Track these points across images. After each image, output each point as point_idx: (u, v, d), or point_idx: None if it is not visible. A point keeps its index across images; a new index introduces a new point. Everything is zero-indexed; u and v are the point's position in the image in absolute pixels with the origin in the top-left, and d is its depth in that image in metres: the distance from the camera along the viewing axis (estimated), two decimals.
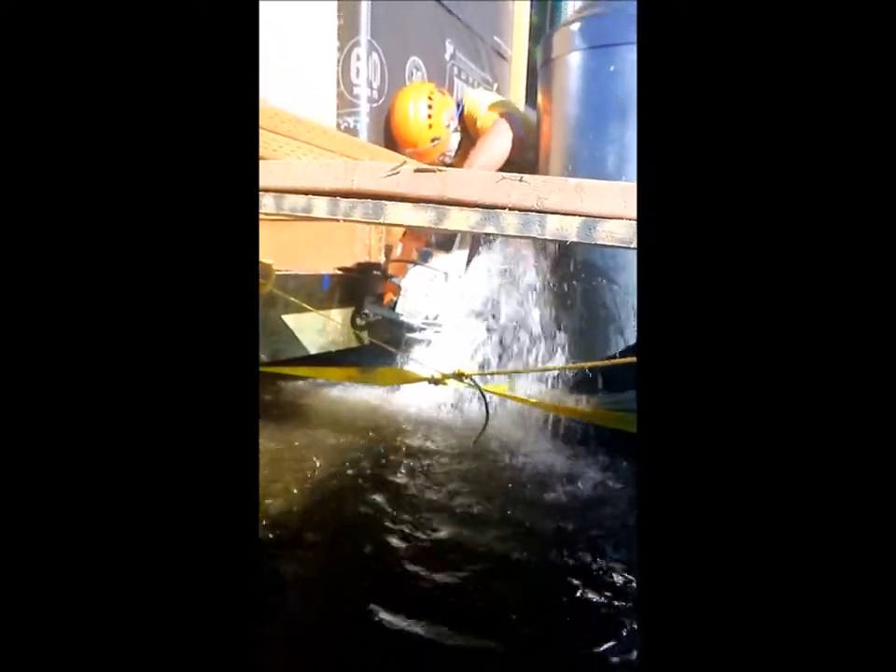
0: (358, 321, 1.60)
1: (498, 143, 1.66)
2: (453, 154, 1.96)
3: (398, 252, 1.61)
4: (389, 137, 1.92)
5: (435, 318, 1.53)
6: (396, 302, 1.55)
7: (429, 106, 1.86)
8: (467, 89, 2.14)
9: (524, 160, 1.67)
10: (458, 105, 1.91)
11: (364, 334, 1.59)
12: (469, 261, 1.61)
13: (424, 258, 1.56)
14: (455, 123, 1.91)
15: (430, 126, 1.86)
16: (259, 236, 0.45)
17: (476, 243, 1.61)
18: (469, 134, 1.90)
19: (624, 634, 0.65)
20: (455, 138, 1.95)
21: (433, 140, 1.88)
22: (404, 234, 1.68)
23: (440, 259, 1.56)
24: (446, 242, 1.61)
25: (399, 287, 1.55)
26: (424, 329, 1.48)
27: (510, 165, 1.69)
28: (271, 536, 0.82)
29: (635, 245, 0.69)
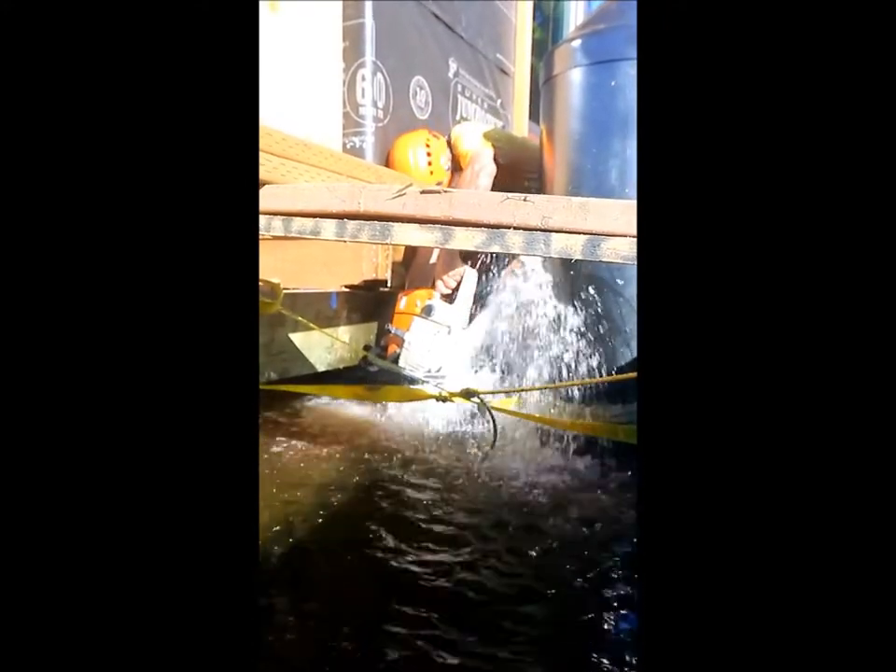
0: (367, 365, 1.62)
1: (476, 182, 1.70)
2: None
3: (401, 306, 1.64)
4: None
5: (438, 371, 1.54)
6: (399, 355, 1.55)
7: (428, 154, 1.89)
8: (453, 126, 2.18)
9: (515, 187, 1.69)
10: (448, 145, 1.95)
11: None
12: (471, 314, 1.63)
13: (427, 311, 1.57)
14: (450, 164, 1.95)
15: (431, 172, 1.90)
16: (258, 252, 0.46)
17: (479, 296, 1.64)
18: (461, 170, 1.94)
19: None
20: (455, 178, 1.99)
21: (437, 185, 1.91)
22: (406, 289, 1.71)
23: (443, 311, 1.58)
24: (450, 294, 1.63)
25: (402, 340, 1.56)
26: (426, 382, 1.49)
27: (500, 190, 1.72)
28: (273, 554, 0.82)
29: None
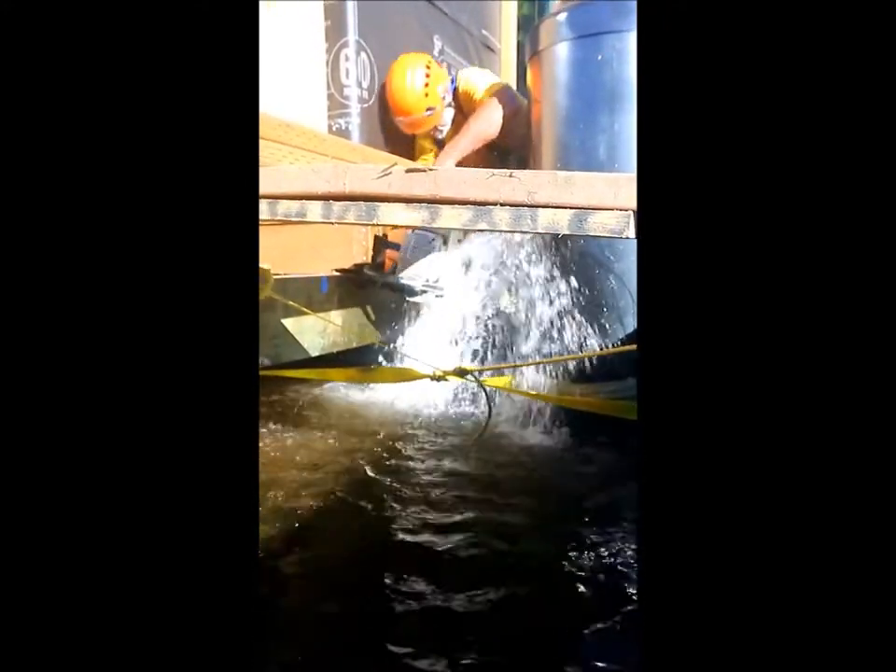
0: (363, 280, 1.57)
1: (490, 114, 1.70)
2: (446, 129, 1.98)
3: None
4: (384, 105, 1.94)
5: (436, 281, 1.51)
6: (396, 267, 1.54)
7: (427, 75, 1.87)
8: (461, 68, 2.16)
9: (517, 133, 1.69)
10: (452, 81, 1.93)
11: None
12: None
13: None
14: (449, 97, 1.93)
15: (426, 95, 1.87)
16: (258, 239, 0.46)
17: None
18: (463, 111, 1.92)
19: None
20: (449, 113, 1.97)
21: (428, 109, 1.89)
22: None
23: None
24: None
25: (398, 253, 1.55)
26: (425, 291, 1.46)
27: (505, 136, 1.72)
28: (273, 538, 0.83)
29: (626, 235, 0.69)
